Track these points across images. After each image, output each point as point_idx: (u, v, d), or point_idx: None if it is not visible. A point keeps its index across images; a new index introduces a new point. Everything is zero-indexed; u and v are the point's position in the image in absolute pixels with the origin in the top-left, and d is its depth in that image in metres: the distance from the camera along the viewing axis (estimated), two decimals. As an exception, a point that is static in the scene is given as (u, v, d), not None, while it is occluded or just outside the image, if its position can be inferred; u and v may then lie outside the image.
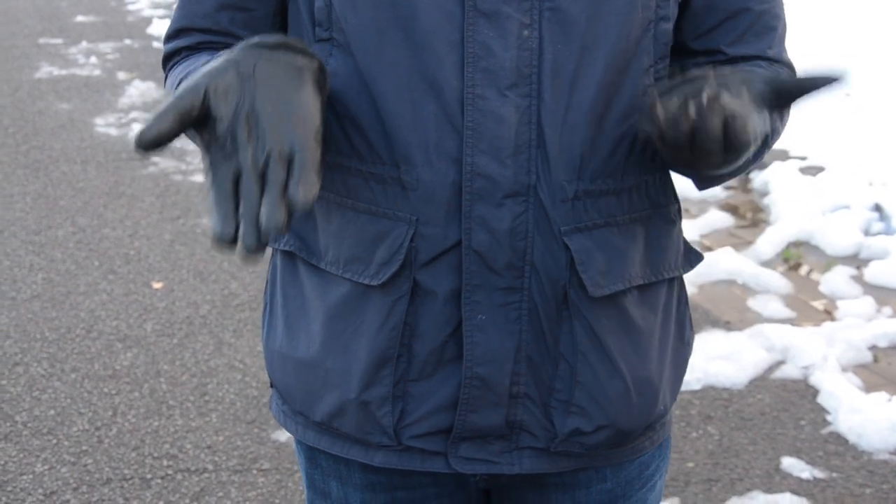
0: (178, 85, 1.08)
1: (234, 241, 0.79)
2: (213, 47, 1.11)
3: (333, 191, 1.09)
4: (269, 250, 1.15)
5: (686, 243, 1.21)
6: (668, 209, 1.15)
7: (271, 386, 1.24)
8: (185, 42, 1.14)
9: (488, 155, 1.01)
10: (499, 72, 1.00)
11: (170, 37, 1.16)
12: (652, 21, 1.04)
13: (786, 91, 0.96)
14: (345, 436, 1.15)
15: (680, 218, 1.19)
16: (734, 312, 3.71)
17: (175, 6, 1.18)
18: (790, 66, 1.17)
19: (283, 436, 3.00)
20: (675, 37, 1.11)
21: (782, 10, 1.15)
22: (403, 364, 1.09)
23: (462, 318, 1.06)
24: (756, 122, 0.93)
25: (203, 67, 0.88)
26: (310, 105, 0.87)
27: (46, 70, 7.31)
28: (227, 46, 1.07)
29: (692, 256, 1.22)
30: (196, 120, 0.85)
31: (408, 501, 1.20)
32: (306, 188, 0.79)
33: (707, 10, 1.10)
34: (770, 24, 1.13)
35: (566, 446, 1.12)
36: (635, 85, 1.04)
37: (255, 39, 0.91)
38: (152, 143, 0.82)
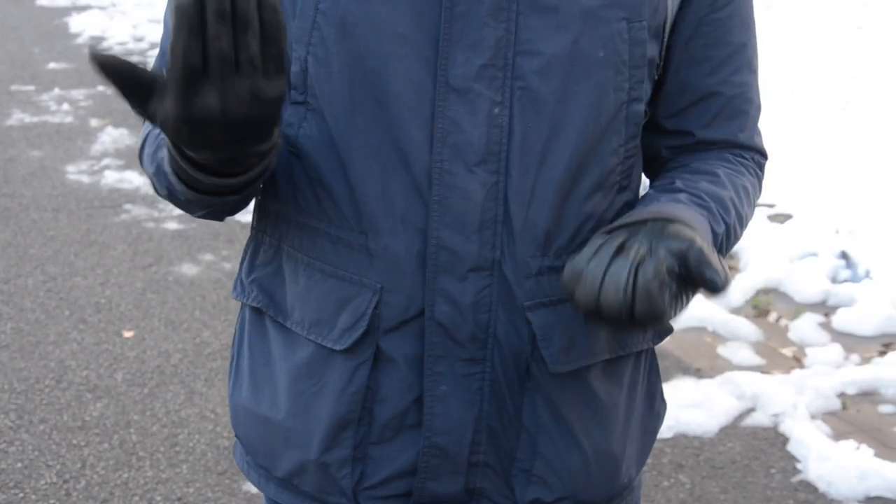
0: (154, 153, 1.09)
1: (202, 65, 0.79)
2: None
3: (302, 251, 1.10)
4: (239, 303, 1.16)
5: None
6: None
7: (236, 436, 1.24)
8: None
9: (453, 229, 1.02)
10: (467, 148, 1.01)
11: (145, 121, 1.13)
12: (624, 102, 1.05)
13: (689, 267, 0.94)
14: (305, 493, 1.16)
15: None
16: (704, 360, 3.73)
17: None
18: (761, 153, 1.18)
19: (255, 488, 2.97)
20: (650, 115, 1.12)
21: (756, 93, 1.16)
22: (364, 427, 1.10)
23: (423, 388, 1.07)
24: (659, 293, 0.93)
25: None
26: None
27: (18, 117, 7.29)
28: None
29: (662, 329, 1.20)
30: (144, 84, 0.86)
31: None
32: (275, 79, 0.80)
33: (679, 91, 1.11)
34: (741, 109, 1.14)
35: None
36: (604, 164, 1.05)
37: None
38: (109, 66, 0.83)
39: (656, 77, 1.10)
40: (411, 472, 1.10)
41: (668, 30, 1.08)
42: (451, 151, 1.01)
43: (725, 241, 1.08)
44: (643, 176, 1.18)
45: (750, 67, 1.14)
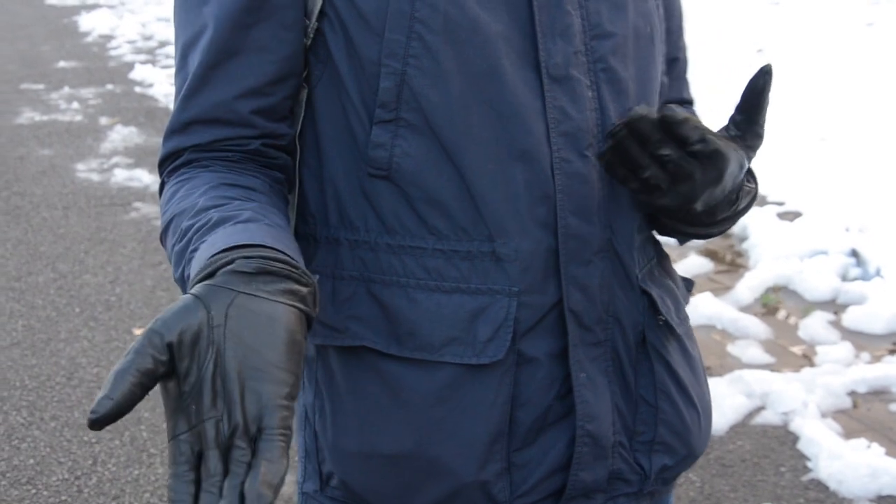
0: (167, 226, 1.01)
1: None
2: (227, 149, 1.04)
3: (405, 275, 1.05)
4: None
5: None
6: (661, 247, 1.22)
7: (321, 490, 1.13)
8: (196, 139, 1.04)
9: (577, 216, 1.04)
10: (577, 134, 1.03)
11: (174, 131, 1.05)
12: (662, 73, 1.14)
13: (746, 102, 1.05)
14: None
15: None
16: (714, 358, 3.73)
17: (177, 94, 1.05)
18: (692, 103, 1.27)
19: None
20: None
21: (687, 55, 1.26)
22: (511, 437, 1.07)
23: (570, 378, 1.07)
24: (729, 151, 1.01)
25: (169, 308, 0.77)
26: (288, 358, 0.76)
27: (28, 116, 7.32)
28: (243, 150, 1.03)
29: (688, 284, 1.26)
30: (160, 378, 0.74)
31: None
32: (266, 488, 0.69)
33: None
34: (685, 69, 1.24)
35: (655, 485, 1.15)
36: None
37: (233, 265, 0.80)
38: (109, 417, 0.70)
39: None
40: (563, 467, 1.08)
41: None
42: (564, 140, 1.03)
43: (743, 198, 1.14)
44: None
45: (684, 30, 1.23)
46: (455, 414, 1.04)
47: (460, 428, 1.05)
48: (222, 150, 1.04)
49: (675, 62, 1.21)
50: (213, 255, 0.83)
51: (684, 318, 1.18)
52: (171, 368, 0.74)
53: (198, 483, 0.72)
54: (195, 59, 1.03)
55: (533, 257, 1.03)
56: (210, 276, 0.80)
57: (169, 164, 1.07)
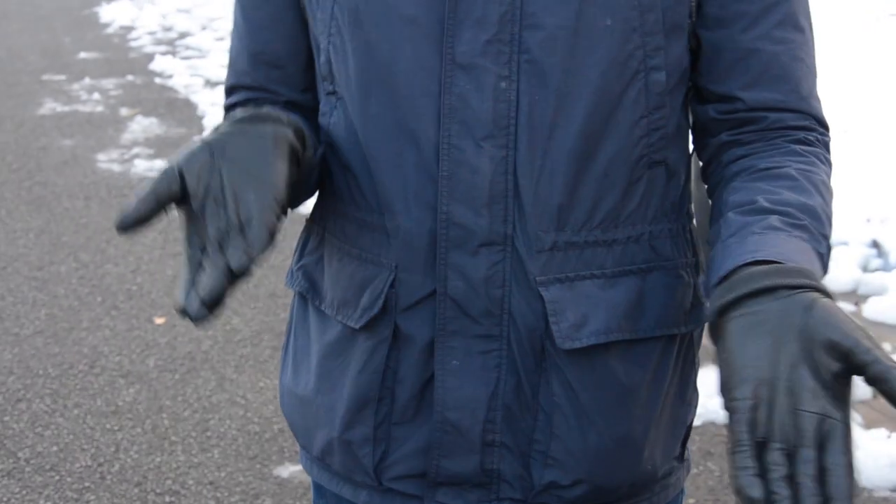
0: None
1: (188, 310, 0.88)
2: (269, 102, 1.16)
3: (336, 236, 1.13)
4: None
5: (697, 298, 1.13)
6: (677, 262, 1.11)
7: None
8: (236, 99, 1.20)
9: (462, 204, 1.02)
10: (475, 123, 1.01)
11: (227, 91, 1.21)
12: (640, 72, 1.02)
13: (863, 374, 0.81)
14: (335, 472, 1.18)
15: (695, 273, 1.13)
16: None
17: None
18: (822, 123, 1.09)
19: (286, 472, 3.00)
20: (694, 81, 1.09)
21: (807, 53, 1.08)
22: (386, 407, 1.11)
23: (434, 362, 1.07)
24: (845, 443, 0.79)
25: (182, 149, 0.96)
26: (273, 172, 0.94)
27: (50, 106, 7.35)
28: (274, 103, 1.14)
29: (701, 313, 1.13)
30: (174, 199, 0.92)
31: None
32: (244, 254, 0.88)
33: (716, 52, 1.06)
34: (788, 67, 1.06)
35: (544, 498, 1.10)
36: (622, 136, 1.03)
37: (237, 114, 1.00)
38: (132, 225, 0.90)
39: (691, 42, 1.06)
40: (427, 450, 1.10)
41: None
42: (458, 127, 1.01)
43: (827, 257, 0.99)
44: (692, 150, 1.15)
45: (794, 23, 1.06)
46: (337, 371, 1.13)
47: (337, 384, 1.13)
48: (267, 102, 1.16)
49: (754, 55, 1.04)
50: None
51: (594, 336, 1.05)
52: (184, 194, 0.91)
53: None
54: (232, 34, 1.20)
55: (413, 237, 1.05)
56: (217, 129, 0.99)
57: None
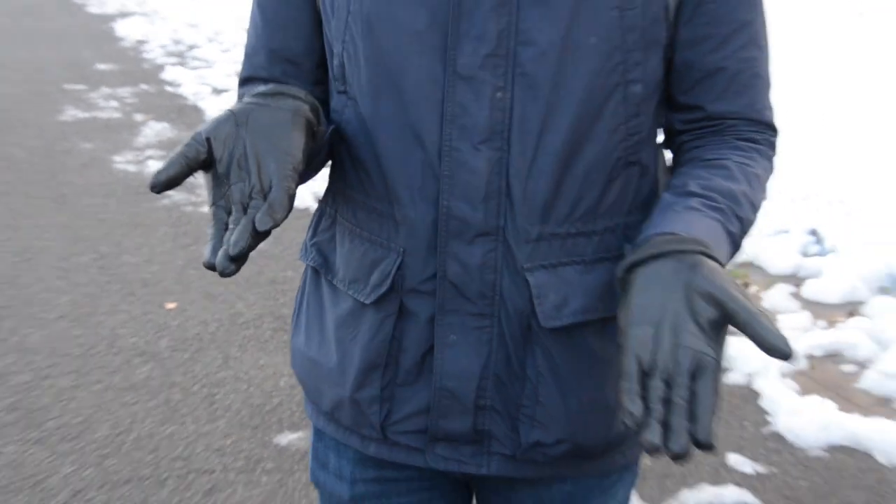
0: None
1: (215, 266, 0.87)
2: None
3: (348, 219, 1.14)
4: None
5: None
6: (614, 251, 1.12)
7: (297, 377, 1.28)
8: (252, 90, 1.19)
9: (461, 200, 1.04)
10: (473, 128, 1.02)
11: (241, 82, 1.20)
12: (620, 84, 1.03)
13: (735, 325, 0.86)
14: (344, 426, 1.20)
15: None
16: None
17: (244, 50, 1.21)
18: (772, 127, 1.13)
19: (285, 440, 3.02)
20: (666, 91, 1.10)
21: (764, 69, 1.11)
22: (391, 371, 1.12)
23: (434, 337, 1.09)
24: (716, 371, 0.84)
25: (209, 119, 0.96)
26: (292, 143, 0.94)
27: (71, 113, 7.31)
28: None
29: None
30: (202, 163, 0.91)
31: (393, 479, 1.23)
32: (267, 215, 0.87)
33: (687, 68, 1.08)
34: (749, 83, 1.09)
35: (530, 455, 1.13)
36: (602, 142, 1.04)
37: (259, 89, 0.98)
38: (164, 184, 0.89)
39: (667, 53, 1.07)
40: (426, 411, 1.12)
41: (672, 10, 1.04)
42: (458, 132, 1.02)
43: (740, 236, 1.04)
44: (664, 150, 1.16)
45: (756, 43, 1.09)
46: (347, 339, 1.15)
47: (348, 350, 1.15)
48: None
49: (721, 73, 1.07)
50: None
51: (573, 315, 1.08)
52: (210, 158, 0.92)
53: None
54: (250, 30, 1.19)
55: (417, 226, 1.06)
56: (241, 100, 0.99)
57: None
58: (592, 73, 1.01)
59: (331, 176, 1.18)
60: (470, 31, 1.00)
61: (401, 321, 1.10)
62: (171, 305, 4.04)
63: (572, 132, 1.02)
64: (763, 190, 1.09)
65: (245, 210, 0.89)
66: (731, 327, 0.87)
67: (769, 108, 1.12)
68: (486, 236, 1.05)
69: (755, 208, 1.07)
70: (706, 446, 0.80)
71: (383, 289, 1.09)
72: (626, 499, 1.28)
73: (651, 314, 0.87)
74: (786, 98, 6.65)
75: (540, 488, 1.22)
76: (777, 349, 0.83)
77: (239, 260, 0.86)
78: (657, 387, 0.83)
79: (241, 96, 1.17)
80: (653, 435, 0.80)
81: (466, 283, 1.06)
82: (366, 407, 1.15)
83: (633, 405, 0.82)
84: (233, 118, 0.94)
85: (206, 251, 0.87)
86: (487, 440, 1.13)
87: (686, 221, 0.98)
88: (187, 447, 3.01)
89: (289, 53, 1.15)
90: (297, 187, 0.91)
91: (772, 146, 1.13)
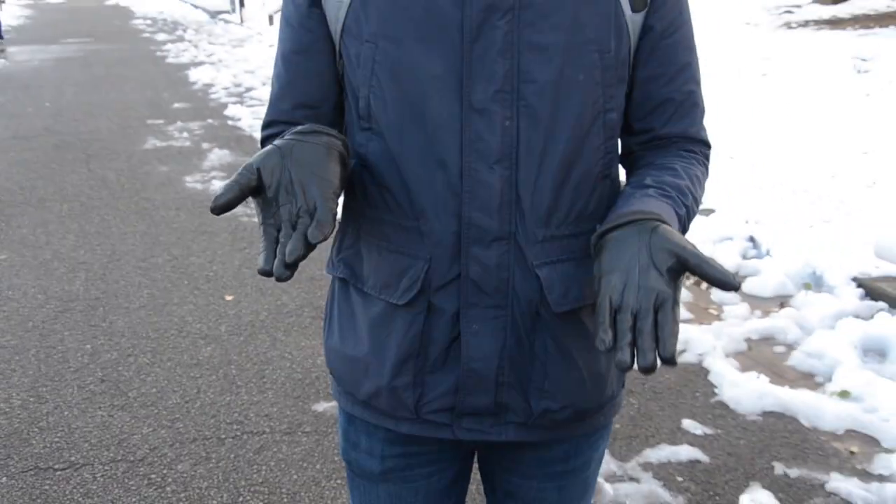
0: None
1: (272, 273, 0.85)
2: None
3: (373, 235, 1.10)
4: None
5: None
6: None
7: (330, 371, 1.23)
8: (274, 131, 1.14)
9: (480, 211, 1.02)
10: (487, 152, 1.00)
11: (264, 126, 1.16)
12: (601, 112, 1.04)
13: (689, 269, 0.88)
14: (381, 411, 1.15)
15: None
16: (648, 315, 3.72)
17: (268, 97, 1.18)
18: (706, 144, 1.15)
19: (321, 407, 3.01)
20: (624, 119, 1.11)
21: (700, 99, 1.14)
22: (422, 361, 1.09)
23: (460, 328, 1.07)
24: (673, 312, 0.86)
25: (259, 150, 0.93)
26: (330, 172, 0.91)
27: (152, 143, 7.33)
28: None
29: None
30: (253, 190, 0.89)
31: (417, 453, 1.20)
32: (318, 230, 0.85)
33: (643, 100, 1.10)
34: (689, 111, 1.12)
35: (540, 421, 1.11)
36: (588, 160, 1.05)
37: (297, 128, 0.96)
38: (222, 208, 0.87)
39: (628, 91, 1.09)
40: (454, 391, 1.09)
41: (632, 54, 1.06)
42: (476, 155, 1.00)
43: (686, 219, 1.06)
44: (621, 167, 1.17)
45: (694, 79, 1.12)
46: (382, 336, 1.10)
47: (383, 347, 1.10)
48: None
49: (670, 102, 1.09)
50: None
51: (575, 301, 1.08)
52: (259, 185, 0.89)
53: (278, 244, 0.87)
54: (276, 75, 1.14)
55: (442, 236, 1.04)
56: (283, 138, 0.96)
57: (263, 146, 1.16)
58: (581, 104, 1.01)
59: (349, 200, 1.14)
60: (481, 73, 0.99)
61: (429, 317, 1.07)
62: (229, 297, 4.04)
63: (567, 153, 1.02)
64: (702, 187, 1.11)
65: (293, 227, 0.86)
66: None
67: (704, 130, 1.15)
68: (500, 241, 1.03)
69: (697, 201, 1.10)
70: (670, 361, 0.82)
71: (413, 291, 1.06)
72: (604, 452, 1.27)
73: (620, 265, 0.90)
74: (731, 134, 6.62)
75: (541, 450, 1.20)
76: (725, 282, 0.85)
77: (292, 267, 0.84)
78: (626, 319, 0.85)
79: (263, 140, 1.15)
80: (623, 355, 0.83)
81: (485, 280, 1.04)
82: (402, 392, 1.11)
83: (605, 334, 0.85)
84: (278, 151, 0.91)
85: (259, 260, 0.85)
86: (504, 412, 1.11)
87: (644, 203, 1.00)
88: (241, 413, 3.00)
89: (310, 100, 1.11)
90: (336, 208, 0.89)
91: (707, 157, 1.15)
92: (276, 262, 0.84)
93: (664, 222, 0.94)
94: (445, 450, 1.21)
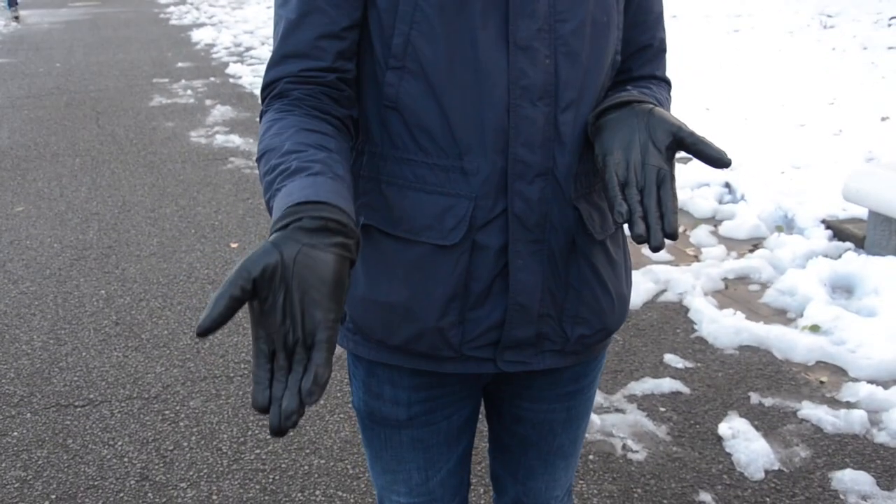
0: (262, 156, 0.91)
1: (267, 410, 0.69)
2: (311, 81, 0.96)
3: (401, 177, 1.01)
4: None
5: None
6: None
7: (351, 321, 1.10)
8: (289, 68, 0.96)
9: (525, 147, 0.97)
10: (531, 88, 0.96)
11: (274, 64, 0.97)
12: (615, 52, 1.04)
13: (685, 147, 0.90)
14: (419, 353, 1.07)
15: None
16: (633, 257, 3.66)
17: (274, 40, 0.99)
18: (668, 81, 1.15)
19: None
20: None
21: (666, 41, 1.15)
22: (464, 299, 1.02)
23: (508, 263, 1.01)
24: (671, 184, 0.89)
25: (252, 252, 0.73)
26: (335, 294, 0.74)
27: (158, 100, 7.20)
28: (322, 82, 0.96)
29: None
30: (246, 300, 0.72)
31: (440, 396, 1.14)
32: (315, 387, 0.69)
33: (626, 45, 1.08)
34: (659, 55, 1.13)
35: (574, 347, 1.09)
36: (602, 95, 1.04)
37: (301, 222, 0.76)
38: (210, 329, 0.69)
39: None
40: (499, 326, 1.04)
41: (622, 3, 1.05)
42: (521, 92, 0.96)
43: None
44: None
45: (663, 27, 1.14)
46: (425, 279, 1.01)
47: (428, 289, 1.01)
48: (307, 83, 0.96)
49: (649, 47, 1.10)
50: (288, 207, 0.78)
51: (608, 231, 1.07)
52: (254, 293, 0.72)
53: (272, 372, 0.71)
54: (289, 12, 0.96)
55: (489, 173, 0.98)
56: (284, 227, 0.76)
57: (268, 93, 0.98)
58: (607, 44, 1.01)
59: (361, 144, 1.04)
60: (523, 11, 0.95)
61: (473, 255, 1.01)
62: (234, 245, 3.98)
63: (598, 91, 1.01)
64: (669, 100, 1.14)
65: (289, 356, 0.71)
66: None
67: (666, 69, 1.18)
68: (541, 176, 0.99)
69: (668, 106, 1.11)
70: (673, 236, 0.85)
71: (461, 231, 0.99)
72: (602, 367, 1.26)
73: (621, 144, 0.91)
74: (707, 87, 6.50)
75: (555, 373, 1.16)
76: (719, 160, 0.87)
77: (292, 420, 0.69)
78: (633, 194, 0.88)
79: (274, 81, 0.97)
80: (639, 229, 0.86)
81: (527, 215, 1.00)
82: (448, 332, 1.03)
83: (621, 207, 0.87)
84: (278, 256, 0.73)
85: (253, 394, 0.70)
86: (542, 341, 1.07)
87: (632, 94, 1.00)
88: (248, 353, 2.97)
89: (335, 28, 0.96)
90: (337, 337, 0.74)
91: (670, 88, 1.18)
92: (275, 417, 0.69)
93: (659, 105, 0.96)
94: (465, 388, 1.16)
